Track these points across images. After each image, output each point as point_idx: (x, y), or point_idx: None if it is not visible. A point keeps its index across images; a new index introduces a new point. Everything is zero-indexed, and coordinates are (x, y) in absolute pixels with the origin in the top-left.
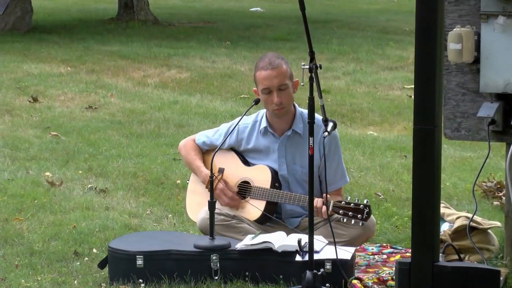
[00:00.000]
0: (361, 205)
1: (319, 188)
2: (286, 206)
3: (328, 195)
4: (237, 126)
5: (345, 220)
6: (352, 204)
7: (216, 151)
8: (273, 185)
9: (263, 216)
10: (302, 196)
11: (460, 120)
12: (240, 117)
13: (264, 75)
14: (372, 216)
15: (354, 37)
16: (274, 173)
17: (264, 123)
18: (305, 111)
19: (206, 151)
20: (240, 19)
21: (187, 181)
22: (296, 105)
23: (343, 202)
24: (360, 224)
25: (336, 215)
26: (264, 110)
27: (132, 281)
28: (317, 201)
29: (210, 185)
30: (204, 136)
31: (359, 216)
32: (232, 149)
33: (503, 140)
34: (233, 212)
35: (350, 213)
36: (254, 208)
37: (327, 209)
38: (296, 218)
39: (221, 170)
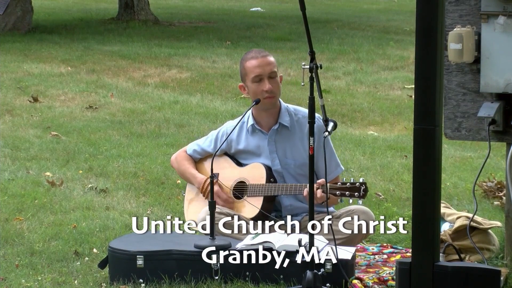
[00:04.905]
0: (357, 183)
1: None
2: (285, 202)
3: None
4: (225, 129)
5: (343, 200)
6: (348, 184)
7: (215, 155)
8: (268, 181)
9: (260, 213)
10: (298, 185)
11: (460, 120)
12: (238, 120)
13: (255, 63)
14: (372, 214)
15: (355, 37)
16: (268, 169)
17: (251, 121)
18: (291, 106)
19: (199, 160)
20: (240, 19)
21: (183, 194)
22: (281, 100)
23: (339, 183)
24: (359, 202)
25: (336, 212)
26: (250, 111)
27: (132, 281)
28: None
29: (211, 185)
30: (195, 145)
31: (356, 194)
32: (225, 153)
33: (503, 140)
34: (232, 211)
35: (347, 192)
36: (251, 206)
37: (326, 196)
38: (296, 217)
39: (214, 175)
